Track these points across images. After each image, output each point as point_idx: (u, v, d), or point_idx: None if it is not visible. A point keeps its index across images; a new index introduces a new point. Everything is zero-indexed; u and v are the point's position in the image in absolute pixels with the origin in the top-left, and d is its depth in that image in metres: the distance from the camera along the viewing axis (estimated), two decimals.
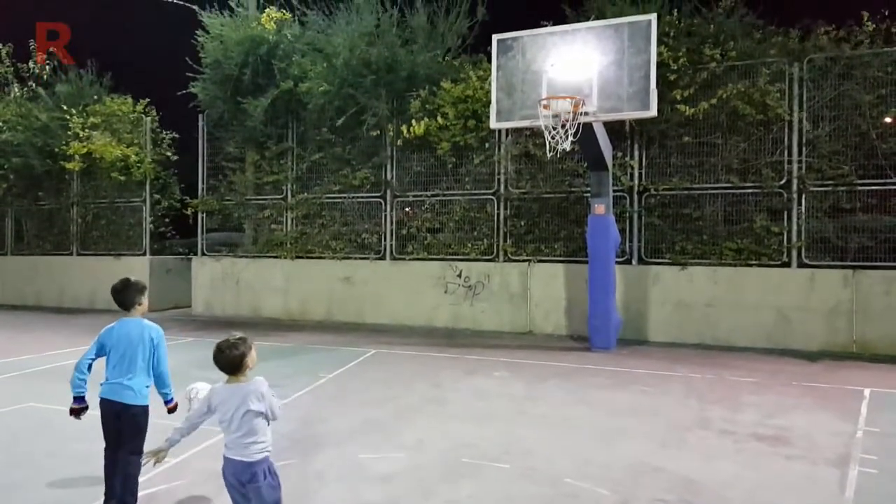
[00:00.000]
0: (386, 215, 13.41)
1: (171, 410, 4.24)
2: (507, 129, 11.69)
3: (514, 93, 9.86)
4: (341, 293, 13.58)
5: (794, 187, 10.56)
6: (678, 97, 10.85)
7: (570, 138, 9.15)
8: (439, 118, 12.44)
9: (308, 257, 14.02)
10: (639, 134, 11.39)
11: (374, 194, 13.53)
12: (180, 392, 4.11)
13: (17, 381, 7.97)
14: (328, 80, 13.03)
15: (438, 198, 12.99)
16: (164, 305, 15.33)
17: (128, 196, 16.14)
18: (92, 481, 4.42)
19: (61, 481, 4.72)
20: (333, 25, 13.84)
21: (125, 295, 4.17)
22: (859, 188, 10.23)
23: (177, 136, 16.50)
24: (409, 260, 13.14)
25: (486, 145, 12.48)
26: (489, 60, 10.41)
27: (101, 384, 4.07)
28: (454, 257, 12.72)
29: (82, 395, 4.05)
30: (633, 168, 11.47)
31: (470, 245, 12.67)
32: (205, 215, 15.19)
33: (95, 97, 16.43)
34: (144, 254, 15.85)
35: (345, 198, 13.74)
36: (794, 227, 10.55)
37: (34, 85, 17.73)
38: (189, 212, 15.31)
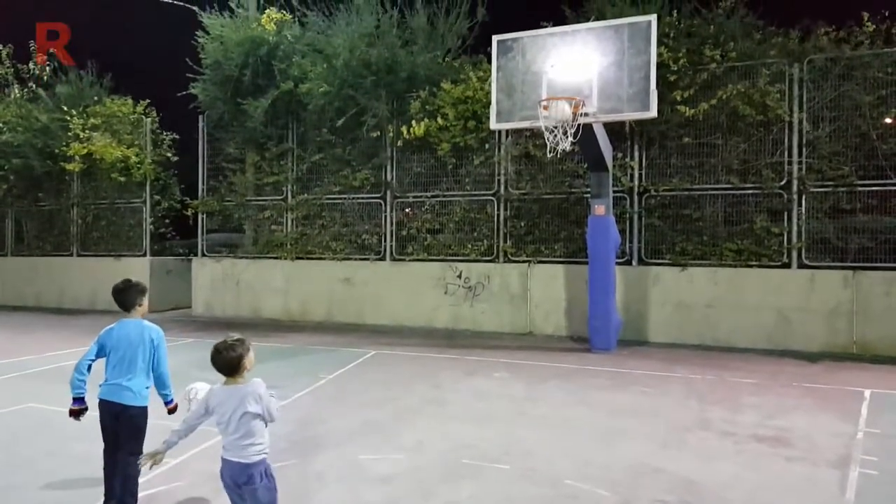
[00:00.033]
0: (386, 216, 13.41)
1: (172, 411, 4.24)
2: (507, 130, 11.68)
3: (514, 94, 9.85)
4: (341, 294, 13.58)
5: (795, 188, 10.56)
6: (678, 98, 10.85)
7: (570, 139, 9.15)
8: (439, 119, 12.44)
9: (308, 258, 14.01)
10: (639, 135, 11.39)
11: (374, 195, 13.53)
12: (180, 393, 4.11)
13: (17, 382, 7.97)
14: (328, 80, 13.02)
15: (438, 199, 12.99)
16: (164, 306, 15.33)
17: (128, 197, 16.14)
18: (92, 482, 4.41)
19: (61, 482, 4.72)
20: (333, 26, 13.84)
21: (126, 296, 4.18)
22: (859, 189, 10.22)
23: (177, 137, 16.53)
24: (410, 261, 13.13)
25: (486, 146, 12.48)
26: (489, 61, 10.40)
27: (101, 385, 4.07)
28: (454, 258, 12.72)
29: (82, 395, 4.05)
30: (633, 169, 11.46)
31: (470, 246, 12.67)
32: (205, 216, 15.19)
33: (95, 98, 16.45)
34: (145, 255, 15.85)
35: (345, 199, 13.74)
36: (795, 228, 10.55)
37: (34, 86, 17.75)
38: (189, 213, 15.31)
